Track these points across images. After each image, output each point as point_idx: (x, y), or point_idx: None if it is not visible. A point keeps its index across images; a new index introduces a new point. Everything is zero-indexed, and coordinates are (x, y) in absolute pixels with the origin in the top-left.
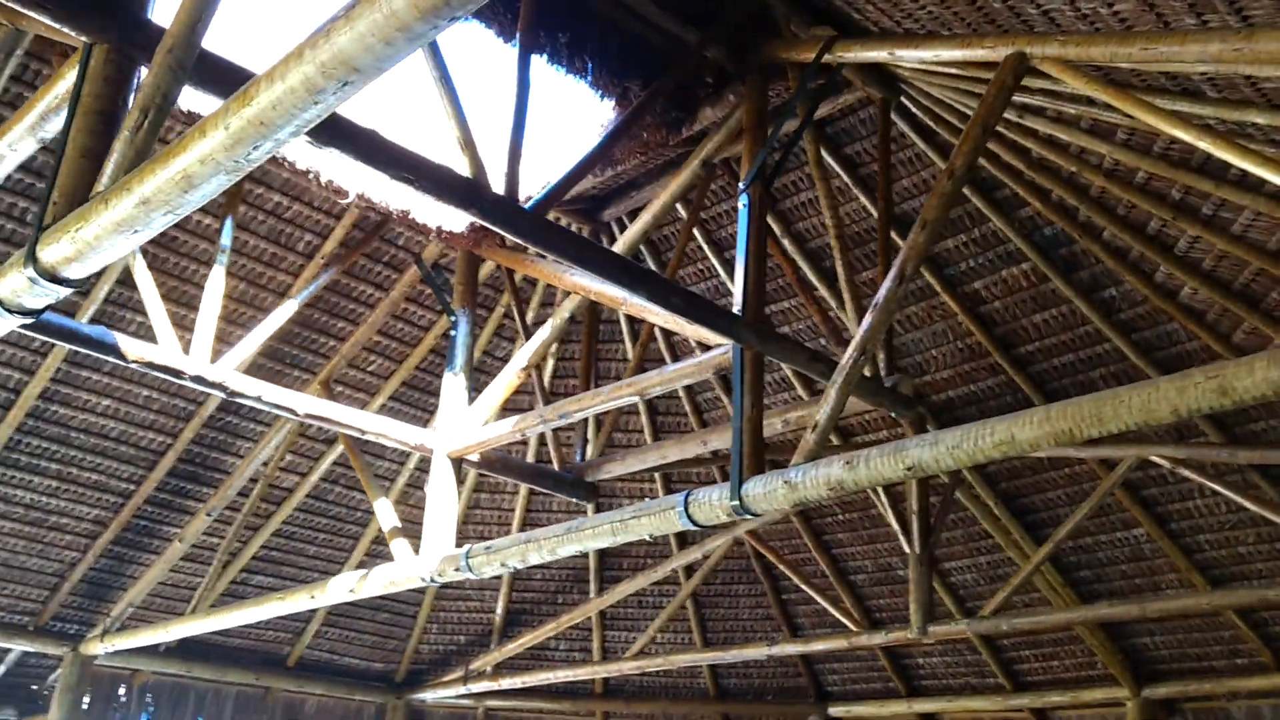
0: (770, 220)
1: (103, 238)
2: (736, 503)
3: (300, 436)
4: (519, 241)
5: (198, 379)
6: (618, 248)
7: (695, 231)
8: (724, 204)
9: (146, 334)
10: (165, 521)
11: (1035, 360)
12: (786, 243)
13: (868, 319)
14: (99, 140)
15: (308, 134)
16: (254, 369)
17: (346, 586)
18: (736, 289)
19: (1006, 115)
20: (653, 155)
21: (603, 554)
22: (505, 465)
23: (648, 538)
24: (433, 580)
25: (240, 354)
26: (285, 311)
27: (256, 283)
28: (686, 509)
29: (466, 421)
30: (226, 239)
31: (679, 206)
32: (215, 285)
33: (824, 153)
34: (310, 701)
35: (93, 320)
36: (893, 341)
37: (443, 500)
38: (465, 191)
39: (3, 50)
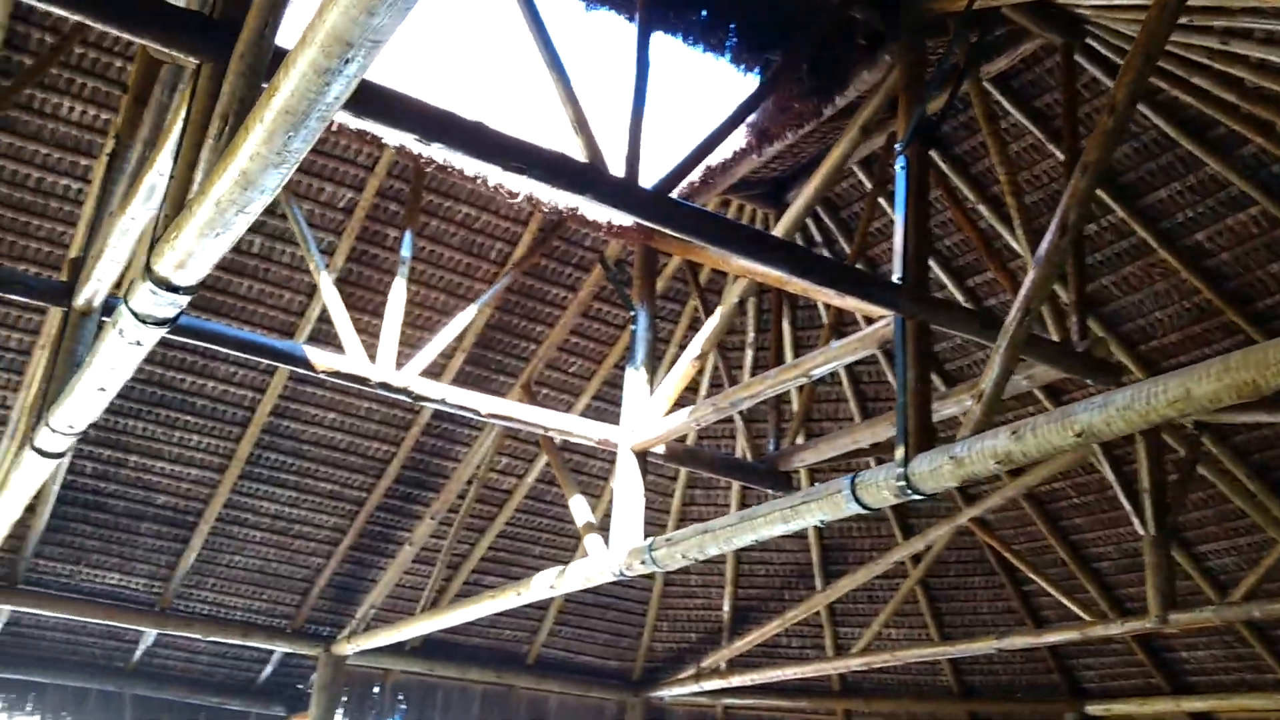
0: (962, 184)
1: (195, 243)
2: (903, 482)
3: (510, 439)
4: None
5: (382, 385)
6: (780, 228)
7: (882, 202)
8: None
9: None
10: (396, 526)
11: (1278, 314)
12: (983, 209)
13: (1030, 275)
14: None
15: (414, 132)
16: (461, 376)
17: (547, 583)
18: (896, 256)
19: (1204, 43)
20: (826, 128)
21: (825, 547)
22: (693, 457)
23: (819, 524)
24: (622, 574)
25: (424, 360)
26: (465, 318)
27: (455, 293)
28: (854, 491)
29: (649, 415)
30: (406, 251)
31: (865, 179)
32: (397, 296)
33: (1011, 108)
34: (553, 699)
35: (310, 339)
36: (1107, 305)
37: (629, 495)
38: (581, 176)
39: (167, 86)
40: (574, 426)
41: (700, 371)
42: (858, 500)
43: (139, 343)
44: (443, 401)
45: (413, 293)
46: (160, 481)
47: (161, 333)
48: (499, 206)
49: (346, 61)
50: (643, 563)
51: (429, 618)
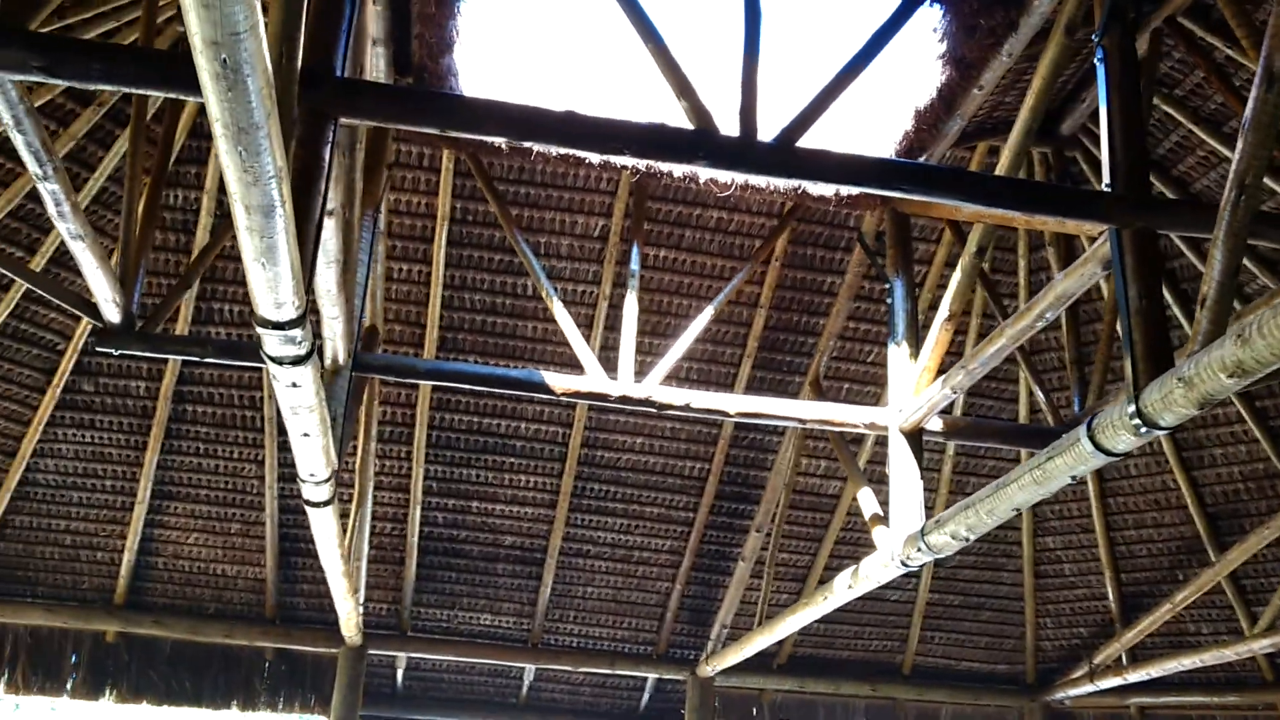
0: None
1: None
2: (1138, 420)
3: (810, 439)
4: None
5: (623, 399)
6: (1003, 164)
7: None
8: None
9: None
10: (729, 543)
11: None
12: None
13: (1240, 144)
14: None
15: (504, 135)
16: (753, 383)
17: (845, 584)
18: (1104, 158)
19: None
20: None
21: (1210, 515)
22: (979, 430)
23: (1071, 480)
24: (904, 564)
25: (665, 367)
26: (703, 319)
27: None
28: (1092, 437)
29: (912, 391)
30: (635, 264)
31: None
32: (630, 309)
33: None
34: (944, 710)
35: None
36: None
37: (904, 479)
38: (687, 142)
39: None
40: (837, 415)
41: (960, 334)
42: (1098, 447)
43: None
44: (686, 407)
45: (658, 303)
46: (502, 523)
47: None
48: (749, 204)
49: None
50: (919, 550)
51: (764, 633)
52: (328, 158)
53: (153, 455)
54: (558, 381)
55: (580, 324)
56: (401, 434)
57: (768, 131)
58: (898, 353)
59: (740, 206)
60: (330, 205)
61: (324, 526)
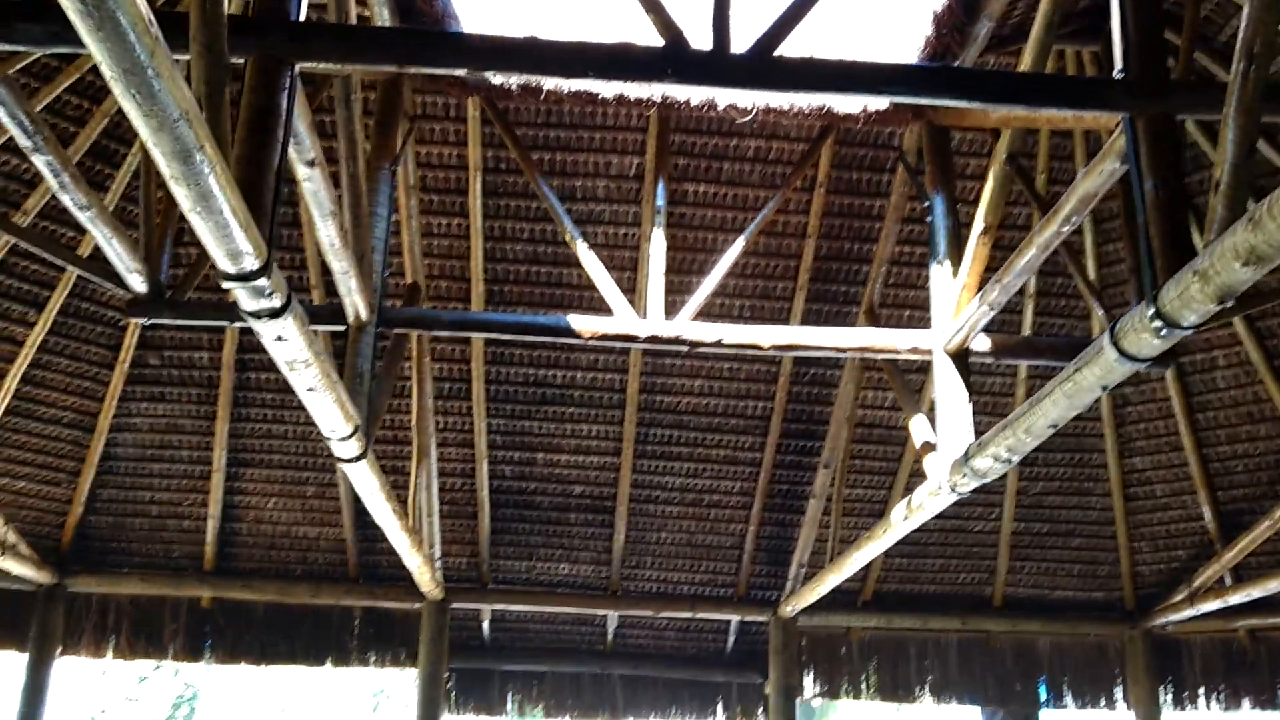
0: None
1: None
2: (1159, 321)
3: (870, 370)
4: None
5: (652, 339)
6: (1024, 62)
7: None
8: None
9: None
10: (798, 482)
11: None
12: None
13: (1245, 8)
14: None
15: (465, 66)
16: (808, 316)
17: (901, 515)
18: (1116, 46)
19: None
20: None
21: None
22: (1029, 348)
23: (1103, 390)
24: (953, 491)
25: (695, 304)
26: (734, 252)
27: (771, 232)
28: (1117, 344)
29: (954, 311)
30: (660, 200)
31: None
32: (657, 246)
33: None
34: (1041, 642)
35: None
36: None
37: (951, 403)
38: (655, 59)
39: None
40: (878, 340)
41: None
42: (1122, 352)
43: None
44: (718, 343)
45: (701, 239)
46: (570, 473)
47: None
48: (775, 129)
49: None
50: (964, 476)
51: (834, 571)
52: (285, 104)
53: (223, 424)
54: (584, 325)
55: (623, 266)
56: (460, 389)
57: (743, 44)
58: (940, 272)
59: (776, 133)
60: (310, 155)
61: (364, 483)
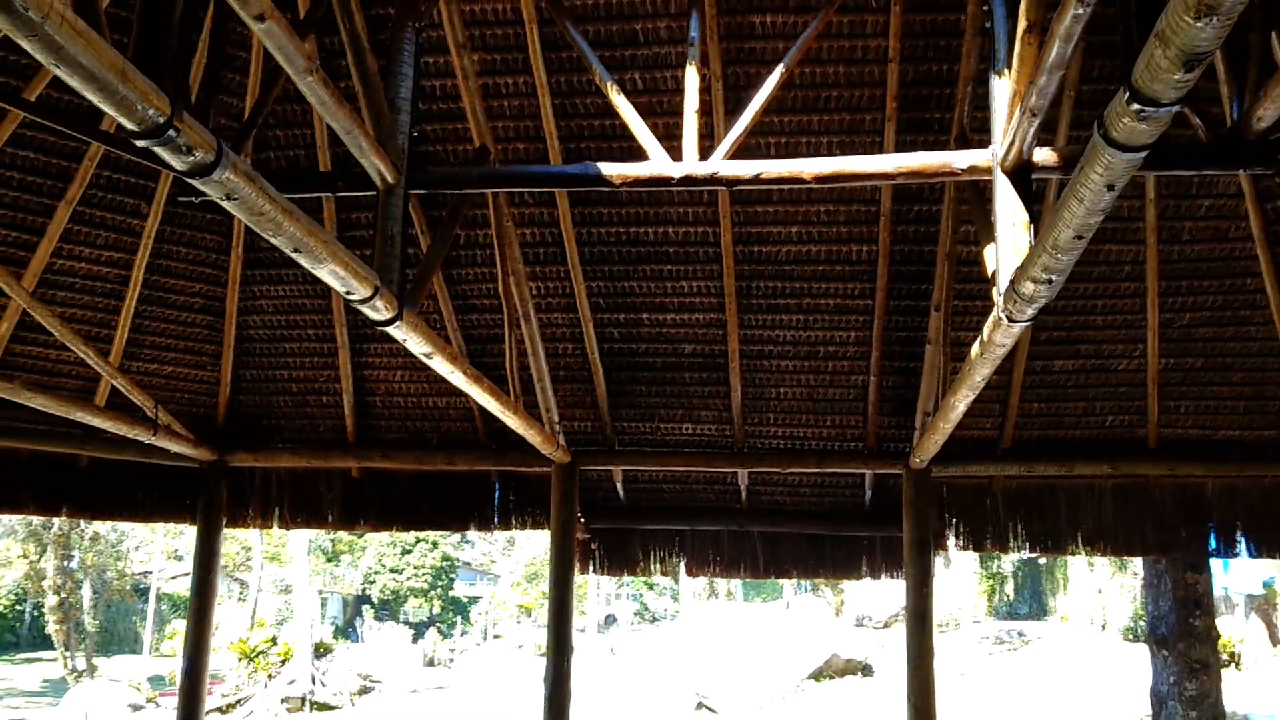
0: None
1: None
2: (1136, 103)
3: (965, 203)
4: None
5: (685, 180)
6: None
7: None
8: None
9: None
10: (914, 327)
11: None
12: None
13: None
14: None
15: None
16: (902, 147)
17: (976, 353)
18: None
19: None
20: None
21: None
22: None
23: (1109, 192)
24: (1011, 321)
25: (730, 140)
26: (771, 83)
27: (850, 60)
28: (1105, 134)
29: (1007, 123)
30: (694, 31)
31: None
32: (691, 83)
33: None
34: (1207, 486)
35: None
36: None
37: (1009, 227)
38: None
39: None
40: (930, 163)
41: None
42: (1111, 143)
43: None
44: (757, 179)
45: (752, 76)
46: (677, 332)
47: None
48: None
49: None
50: (1015, 304)
51: (941, 418)
52: None
53: (339, 300)
54: (615, 171)
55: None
56: (554, 254)
57: None
58: (999, 85)
59: None
60: (256, 9)
61: (416, 345)
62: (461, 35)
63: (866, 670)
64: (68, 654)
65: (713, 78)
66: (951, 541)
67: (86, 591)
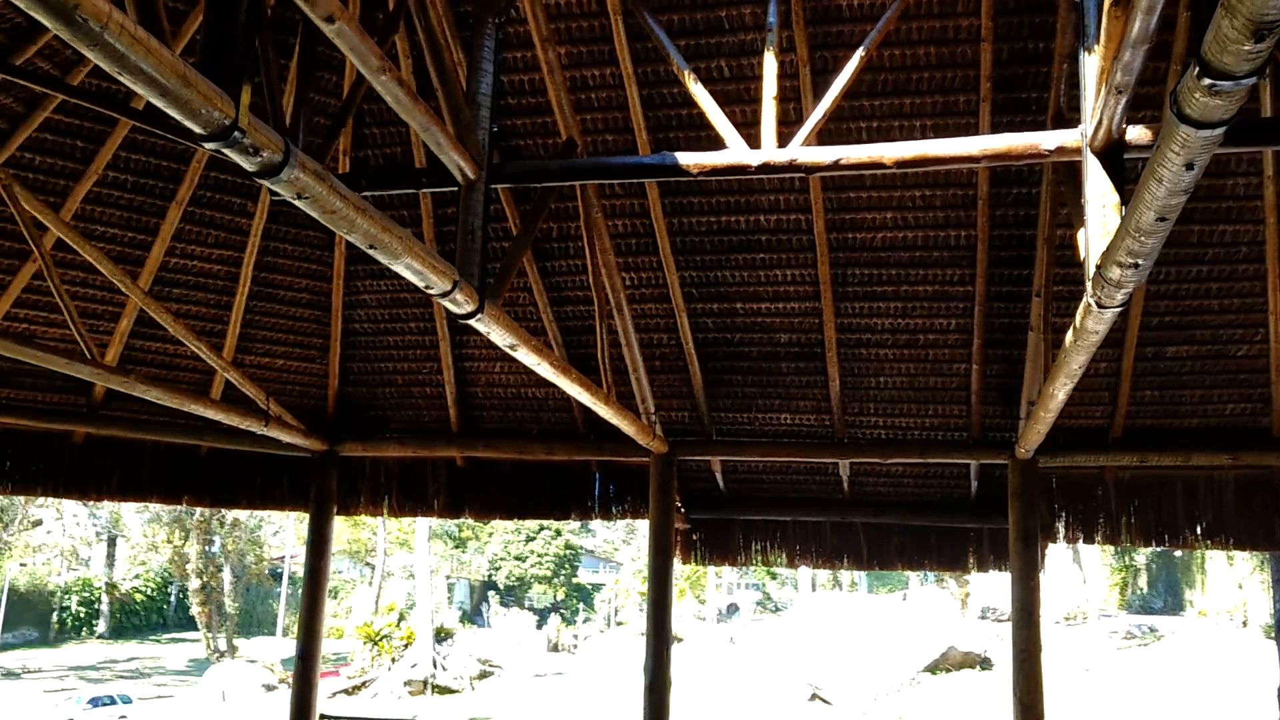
0: None
1: None
2: (1207, 77)
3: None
4: None
5: (763, 168)
6: None
7: None
8: None
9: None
10: (1016, 314)
11: None
12: None
13: None
14: None
15: None
16: (998, 129)
17: (1070, 339)
18: None
19: None
20: None
21: None
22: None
23: (1188, 171)
24: (1100, 306)
25: (809, 125)
26: (851, 67)
27: (941, 40)
28: (1178, 110)
29: (1098, 102)
30: (772, 16)
31: None
32: (769, 69)
33: None
34: None
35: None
36: None
37: (1099, 209)
38: None
39: None
40: (1017, 144)
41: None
42: (1184, 119)
43: None
44: (836, 165)
45: (839, 60)
46: (773, 321)
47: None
48: None
49: None
50: (1103, 289)
51: (1042, 407)
52: None
53: None
54: (692, 160)
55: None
56: (645, 244)
57: None
58: (1089, 61)
59: None
60: (326, 10)
61: (500, 337)
62: (546, 29)
63: (985, 663)
64: (210, 635)
65: (800, 62)
66: (1061, 533)
67: (227, 575)
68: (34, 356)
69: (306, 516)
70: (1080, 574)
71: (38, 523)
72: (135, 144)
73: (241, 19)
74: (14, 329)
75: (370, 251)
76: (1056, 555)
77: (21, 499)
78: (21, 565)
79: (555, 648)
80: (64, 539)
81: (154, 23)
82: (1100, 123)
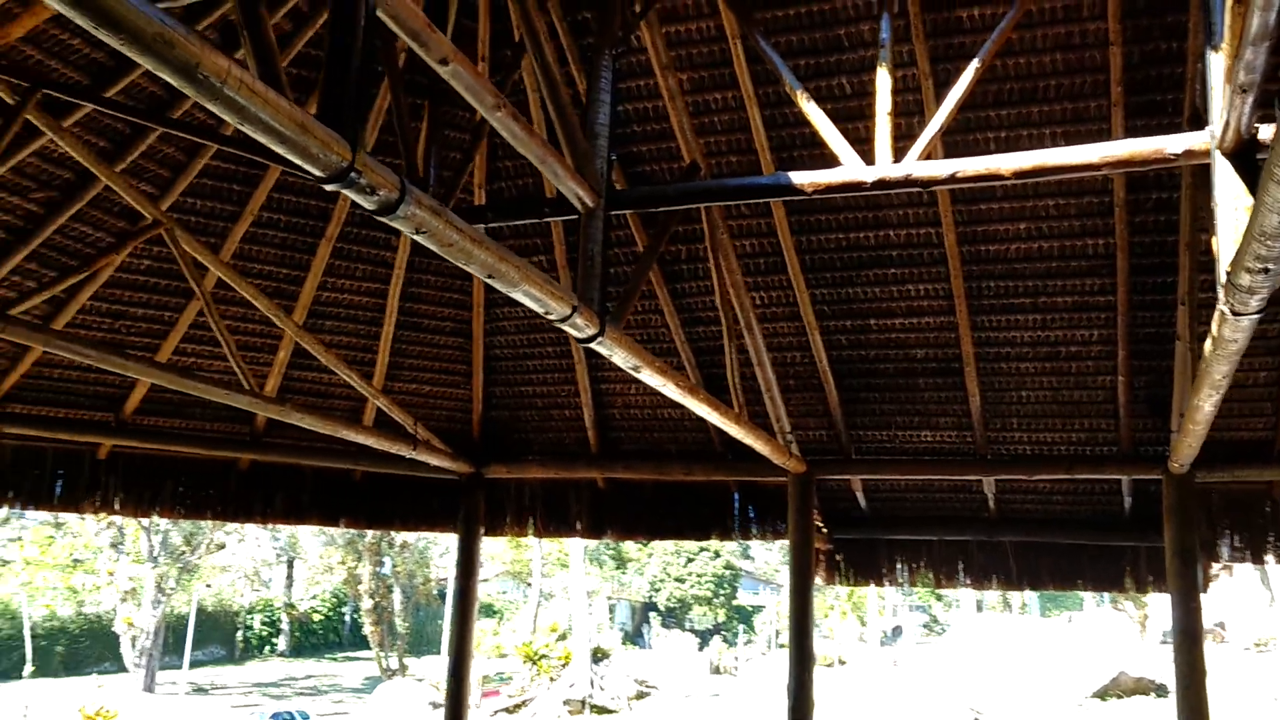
0: None
1: None
2: None
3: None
4: None
5: (878, 184)
6: None
7: None
8: None
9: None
10: (1162, 323)
11: None
12: None
13: None
14: None
15: None
16: (1132, 134)
17: (1209, 349)
18: None
19: None
20: None
21: None
22: None
23: None
24: (1234, 314)
25: (925, 139)
26: (966, 79)
27: (1067, 45)
28: None
29: (1224, 102)
30: (885, 32)
31: None
32: (883, 84)
33: None
34: None
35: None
36: None
37: (1229, 214)
38: None
39: None
40: (1143, 149)
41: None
42: None
43: None
44: (953, 178)
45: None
46: (906, 337)
47: None
48: None
49: None
50: (1236, 296)
51: (1192, 422)
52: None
53: None
54: (807, 179)
55: (908, 111)
56: (774, 263)
57: None
58: (1215, 60)
59: None
60: (440, 53)
61: (622, 359)
62: (665, 57)
63: (1161, 690)
64: (382, 653)
65: (921, 76)
66: (1225, 552)
67: (397, 596)
68: (198, 389)
69: None
70: (1269, 595)
71: (222, 546)
72: (287, 185)
73: (356, 64)
74: (181, 363)
75: (489, 281)
76: (1243, 576)
77: (208, 524)
78: (207, 586)
79: (717, 670)
80: (247, 562)
81: (273, 75)
82: (1228, 123)
